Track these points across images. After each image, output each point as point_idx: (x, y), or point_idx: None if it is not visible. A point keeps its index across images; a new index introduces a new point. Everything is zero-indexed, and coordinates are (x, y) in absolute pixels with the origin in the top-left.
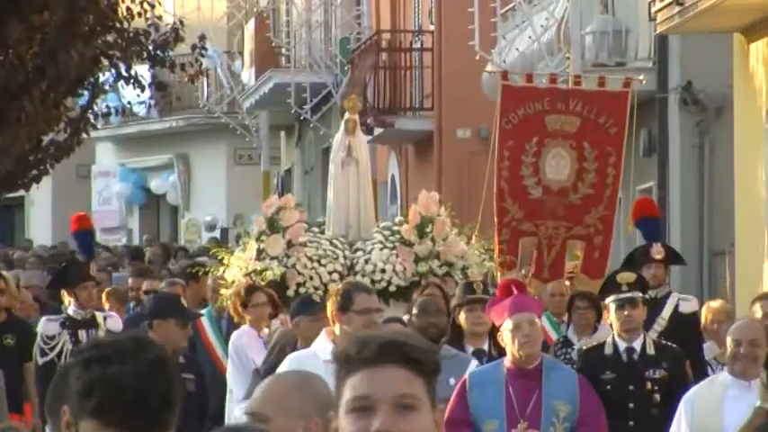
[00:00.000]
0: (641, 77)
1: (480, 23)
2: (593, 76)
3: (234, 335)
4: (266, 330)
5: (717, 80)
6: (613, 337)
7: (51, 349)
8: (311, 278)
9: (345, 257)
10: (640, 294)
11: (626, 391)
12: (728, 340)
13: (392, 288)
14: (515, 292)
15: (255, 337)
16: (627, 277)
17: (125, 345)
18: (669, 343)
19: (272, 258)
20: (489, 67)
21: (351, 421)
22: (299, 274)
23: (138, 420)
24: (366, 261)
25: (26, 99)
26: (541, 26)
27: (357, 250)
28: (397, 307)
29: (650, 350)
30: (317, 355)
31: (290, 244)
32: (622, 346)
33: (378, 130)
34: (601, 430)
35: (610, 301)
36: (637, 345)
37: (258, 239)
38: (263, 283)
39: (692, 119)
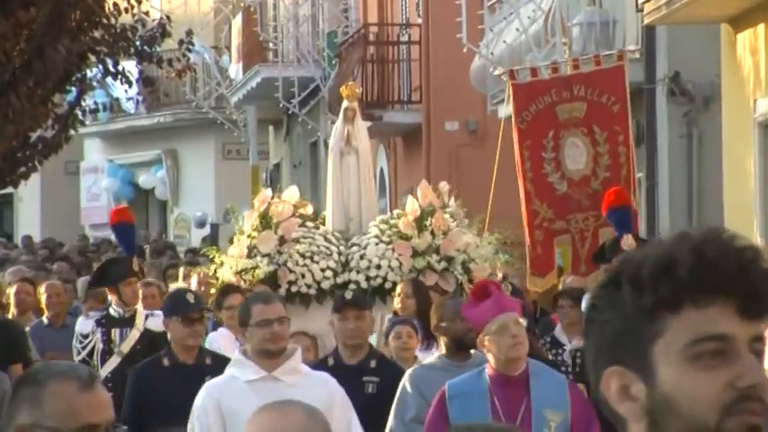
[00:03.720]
0: (632, 48)
1: (468, 16)
2: (589, 57)
3: (209, 337)
4: None
5: (704, 70)
6: None
7: (84, 348)
8: (303, 275)
9: (340, 253)
10: None
11: None
12: None
13: (388, 285)
14: (493, 292)
15: (232, 340)
16: None
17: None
18: None
19: (264, 255)
20: (476, 60)
21: (697, 371)
22: (291, 271)
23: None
24: (361, 257)
25: (13, 96)
26: (528, 18)
27: (353, 245)
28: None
29: None
30: (236, 377)
31: (282, 240)
32: None
33: (366, 124)
34: None
35: None
36: None
37: (250, 236)
38: (253, 282)
39: (680, 109)
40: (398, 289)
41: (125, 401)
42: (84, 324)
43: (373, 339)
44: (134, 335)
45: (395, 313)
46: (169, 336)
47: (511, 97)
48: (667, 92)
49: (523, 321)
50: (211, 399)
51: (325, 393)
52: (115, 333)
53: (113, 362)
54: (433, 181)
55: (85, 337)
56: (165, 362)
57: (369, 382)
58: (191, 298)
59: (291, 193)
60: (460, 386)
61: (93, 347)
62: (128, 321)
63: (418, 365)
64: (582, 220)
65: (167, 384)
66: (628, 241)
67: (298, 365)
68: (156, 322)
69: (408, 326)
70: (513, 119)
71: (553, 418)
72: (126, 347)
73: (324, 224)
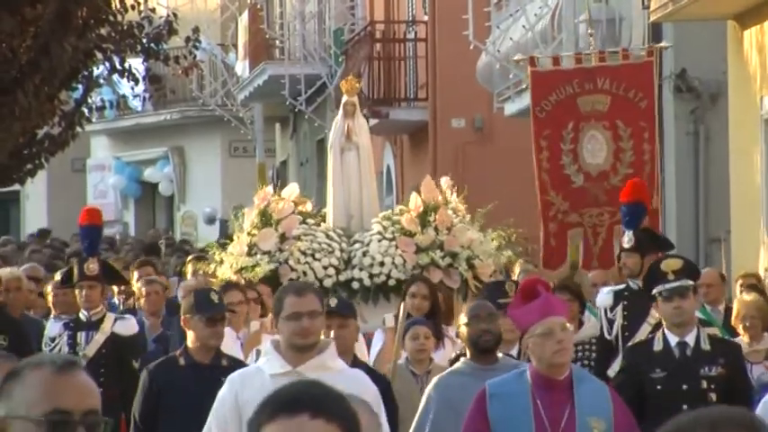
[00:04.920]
0: (663, 44)
1: (474, 13)
2: (617, 50)
3: None
4: (245, 330)
5: (711, 67)
6: (663, 332)
7: (51, 351)
8: (305, 274)
9: (342, 250)
10: (691, 282)
11: (679, 391)
12: None
13: (392, 282)
14: (542, 293)
15: (233, 338)
16: (672, 264)
17: None
18: (727, 337)
19: (264, 253)
20: (483, 57)
21: None
22: (292, 269)
23: None
24: (364, 254)
25: (20, 93)
26: (535, 15)
27: (355, 242)
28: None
29: (705, 345)
30: (262, 369)
31: (283, 237)
32: (674, 341)
33: (372, 121)
34: None
35: (656, 292)
36: (690, 339)
37: (250, 233)
38: (255, 280)
39: (687, 106)
40: (412, 289)
41: (137, 400)
42: (53, 327)
43: (375, 348)
44: (99, 339)
45: (409, 314)
46: (189, 335)
47: (529, 85)
48: (674, 89)
49: (570, 327)
50: (231, 390)
51: (355, 394)
52: (81, 336)
53: None
54: (438, 178)
55: (53, 339)
56: (182, 361)
57: None
58: (215, 298)
59: (291, 190)
60: (502, 386)
61: (59, 351)
62: (94, 325)
63: (444, 372)
64: (596, 215)
65: (182, 384)
66: (627, 237)
67: (328, 361)
68: (125, 326)
69: (426, 327)
70: (531, 107)
71: (597, 425)
72: (91, 351)
73: (324, 221)
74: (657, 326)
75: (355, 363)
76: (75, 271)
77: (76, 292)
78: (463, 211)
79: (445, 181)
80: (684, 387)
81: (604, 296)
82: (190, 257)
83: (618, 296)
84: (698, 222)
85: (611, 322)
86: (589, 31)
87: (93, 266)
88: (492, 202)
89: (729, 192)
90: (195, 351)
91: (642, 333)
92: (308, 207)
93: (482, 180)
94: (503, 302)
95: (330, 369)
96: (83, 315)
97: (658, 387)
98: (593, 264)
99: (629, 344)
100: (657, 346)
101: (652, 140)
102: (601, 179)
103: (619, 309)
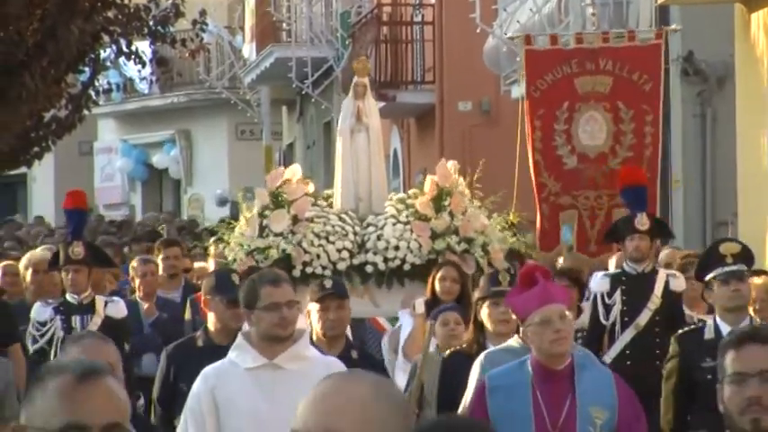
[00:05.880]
0: (674, 26)
1: None
2: (622, 32)
3: None
4: None
5: (718, 50)
6: (715, 319)
7: (42, 336)
8: (318, 256)
9: (356, 233)
10: (746, 268)
11: None
12: None
13: (407, 267)
14: (540, 280)
15: None
16: (731, 248)
17: None
18: None
19: (276, 235)
20: (490, 40)
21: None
22: (306, 252)
23: None
24: (378, 237)
25: (27, 75)
26: None
27: (368, 225)
28: (413, 287)
29: None
30: (236, 363)
31: (295, 219)
32: (725, 329)
33: (379, 104)
34: None
35: (712, 276)
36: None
37: (261, 215)
38: (266, 263)
39: (694, 89)
40: (441, 273)
41: (156, 381)
42: (41, 311)
43: (405, 332)
44: (96, 321)
45: (434, 298)
46: (210, 317)
47: (523, 63)
48: (681, 72)
49: (569, 314)
50: (206, 385)
51: None
52: (76, 320)
53: None
54: (446, 161)
55: (43, 324)
56: (200, 342)
57: None
58: (236, 279)
59: (294, 171)
60: (502, 378)
61: (53, 336)
62: (87, 308)
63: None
64: (594, 197)
65: (199, 366)
66: (642, 220)
67: (303, 351)
68: (116, 309)
69: (456, 312)
70: (525, 86)
71: (599, 415)
72: None
73: (331, 205)
74: (657, 312)
75: (350, 344)
76: (61, 255)
77: (63, 275)
78: (469, 196)
79: (452, 164)
80: None
81: (600, 280)
82: (212, 239)
83: (615, 281)
84: (705, 205)
85: (608, 308)
86: (592, 11)
87: (78, 250)
88: (498, 185)
89: (736, 175)
90: (215, 333)
91: (643, 318)
92: (311, 189)
93: (489, 163)
94: (496, 290)
95: (306, 358)
96: (71, 298)
97: (708, 377)
98: (589, 247)
99: (680, 332)
100: (708, 334)
101: (655, 123)
102: (599, 161)
103: (617, 294)
